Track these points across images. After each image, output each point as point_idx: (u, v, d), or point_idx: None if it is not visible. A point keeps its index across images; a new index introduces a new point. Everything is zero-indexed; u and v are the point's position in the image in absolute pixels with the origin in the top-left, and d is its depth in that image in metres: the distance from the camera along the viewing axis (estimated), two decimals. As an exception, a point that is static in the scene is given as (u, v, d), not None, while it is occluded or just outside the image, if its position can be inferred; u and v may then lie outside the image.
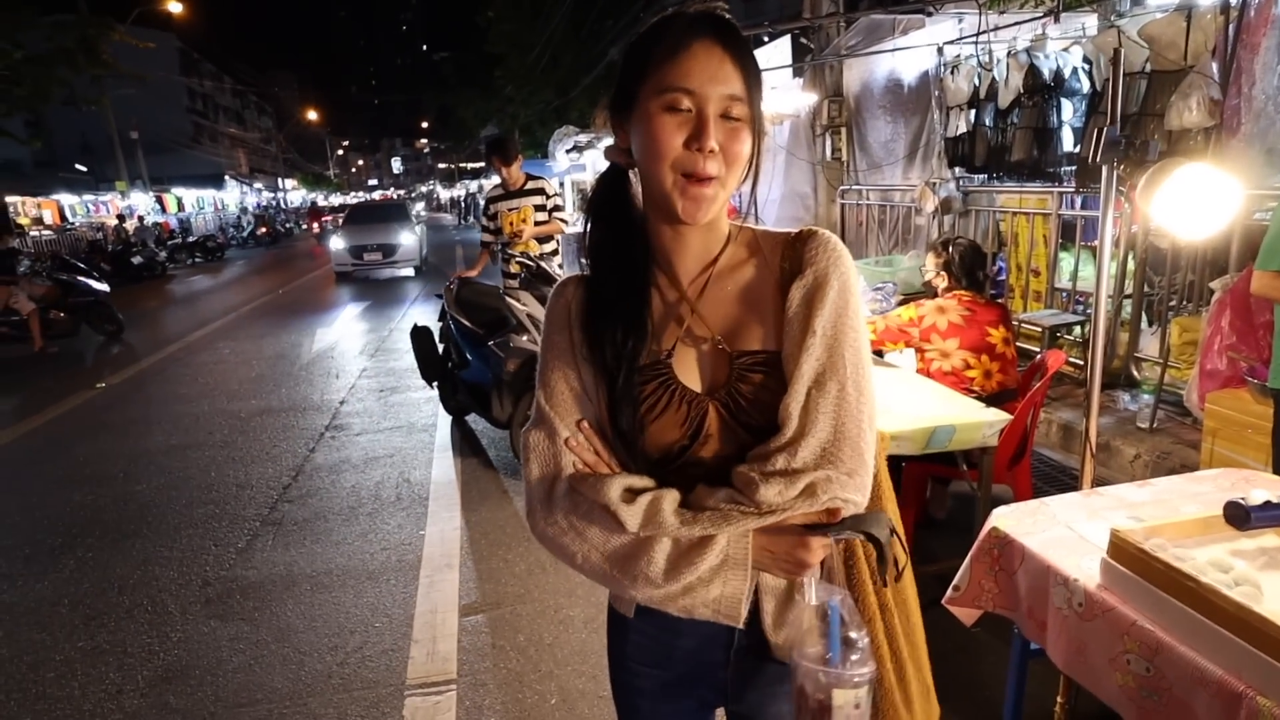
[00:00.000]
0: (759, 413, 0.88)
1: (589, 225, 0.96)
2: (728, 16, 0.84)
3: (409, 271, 14.09)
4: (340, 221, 16.25)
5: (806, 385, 0.85)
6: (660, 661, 1.00)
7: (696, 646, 0.97)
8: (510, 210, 4.78)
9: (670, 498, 0.85)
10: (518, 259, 4.25)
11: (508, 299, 4.06)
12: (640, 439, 0.88)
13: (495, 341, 4.02)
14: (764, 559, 0.86)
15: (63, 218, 21.95)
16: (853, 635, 0.82)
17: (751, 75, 0.84)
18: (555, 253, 5.04)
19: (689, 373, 0.90)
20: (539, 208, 4.80)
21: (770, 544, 0.85)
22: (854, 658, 0.81)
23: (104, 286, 9.18)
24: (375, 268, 13.75)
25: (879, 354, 3.09)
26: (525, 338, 3.87)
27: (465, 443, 4.61)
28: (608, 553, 0.86)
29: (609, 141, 0.95)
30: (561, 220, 4.97)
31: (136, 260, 16.21)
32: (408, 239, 13.87)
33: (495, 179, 5.00)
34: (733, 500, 0.84)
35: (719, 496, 0.85)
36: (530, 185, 4.82)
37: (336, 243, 13.88)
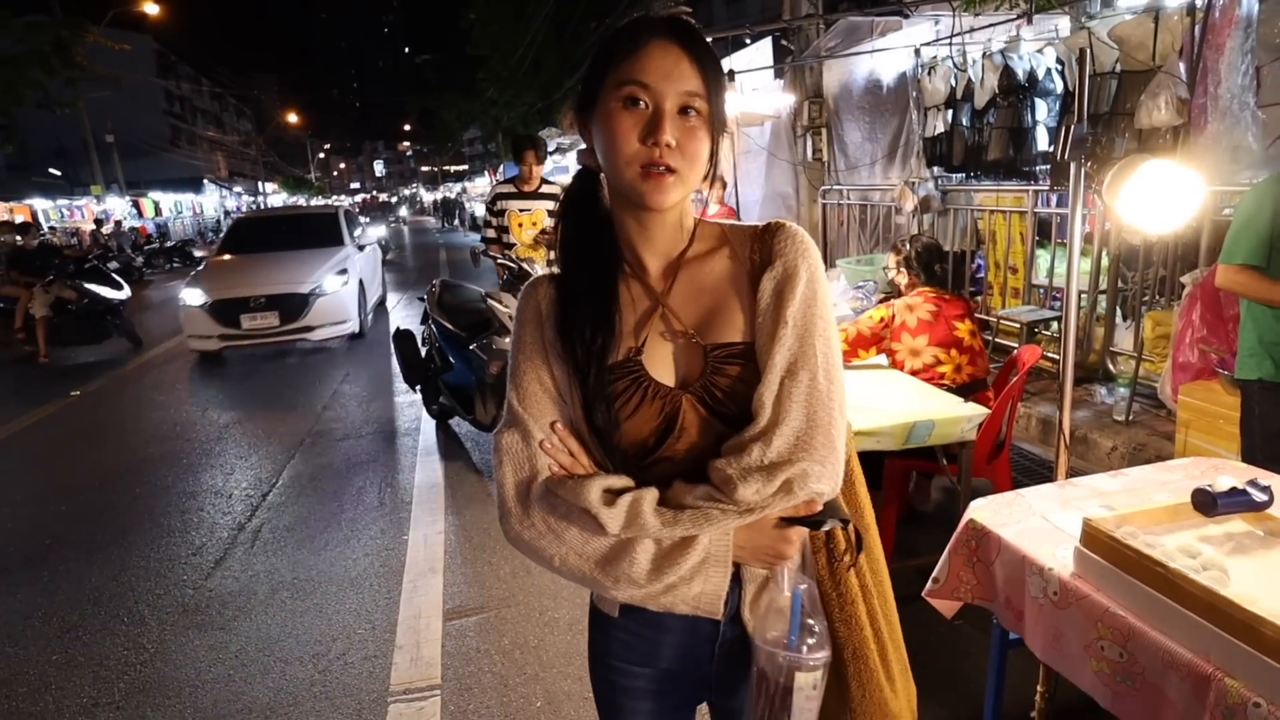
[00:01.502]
0: (734, 404, 0.88)
1: (559, 224, 0.97)
2: (687, 19, 0.86)
3: (333, 344, 7.81)
4: (212, 251, 9.59)
5: (779, 375, 0.86)
6: (646, 659, 1.00)
7: (682, 642, 0.98)
8: (521, 211, 4.65)
9: (650, 497, 0.86)
10: (500, 260, 4.22)
11: (490, 301, 4.03)
12: (615, 436, 0.88)
13: (478, 344, 4.00)
14: (743, 555, 0.88)
15: (36, 223, 21.59)
16: (810, 622, 0.85)
17: (710, 74, 0.84)
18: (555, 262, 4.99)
19: (661, 367, 0.91)
20: (551, 213, 4.66)
21: (750, 540, 0.87)
22: (811, 641, 0.84)
23: (120, 295, 8.40)
24: (263, 341, 7.23)
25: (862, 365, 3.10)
26: (508, 339, 3.86)
27: (449, 446, 4.58)
28: (587, 554, 0.87)
29: (583, 145, 0.96)
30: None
31: (112, 265, 15.96)
32: (334, 284, 7.45)
33: (487, 178, 4.98)
34: (711, 498, 0.84)
35: (698, 494, 0.85)
36: (546, 189, 4.68)
37: (190, 298, 7.11)
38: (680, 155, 0.83)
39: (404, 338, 5.03)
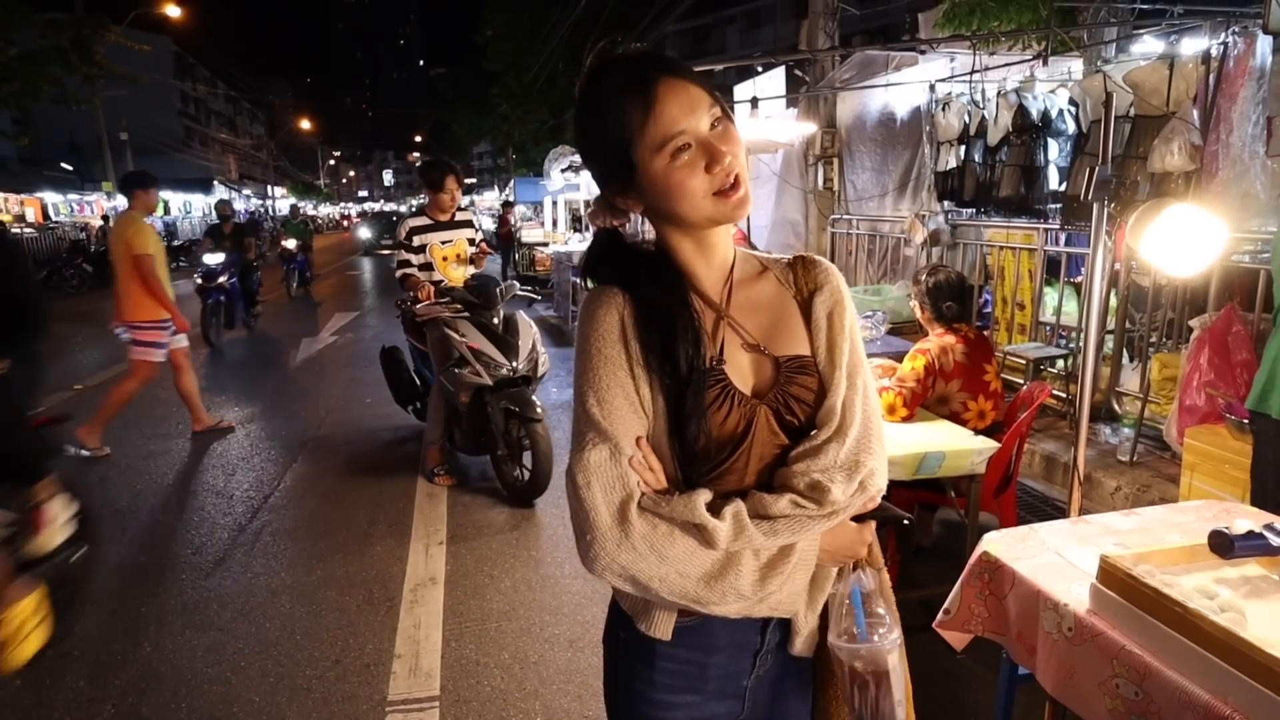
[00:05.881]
0: (801, 412, 0.94)
1: (586, 275, 1.00)
2: (650, 52, 0.91)
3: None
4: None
5: (845, 384, 0.94)
6: (694, 684, 0.99)
7: (728, 659, 0.99)
8: (444, 244, 4.20)
9: (744, 508, 0.88)
10: (453, 294, 3.92)
11: (448, 331, 3.83)
12: (704, 446, 0.90)
13: (444, 375, 3.88)
14: (825, 556, 0.93)
15: (45, 216, 21.68)
16: (878, 610, 0.93)
17: (704, 82, 0.90)
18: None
19: (740, 377, 0.95)
20: (470, 241, 4.35)
21: (833, 541, 0.92)
22: (882, 629, 0.92)
23: None
24: None
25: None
26: (468, 369, 3.76)
27: (451, 457, 4.57)
28: (690, 572, 0.87)
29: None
30: (487, 245, 4.52)
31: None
32: None
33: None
34: (798, 505, 0.89)
35: (784, 503, 0.88)
36: (460, 217, 4.31)
37: None
38: (734, 158, 0.89)
39: (390, 356, 4.86)
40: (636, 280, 0.95)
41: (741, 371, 0.95)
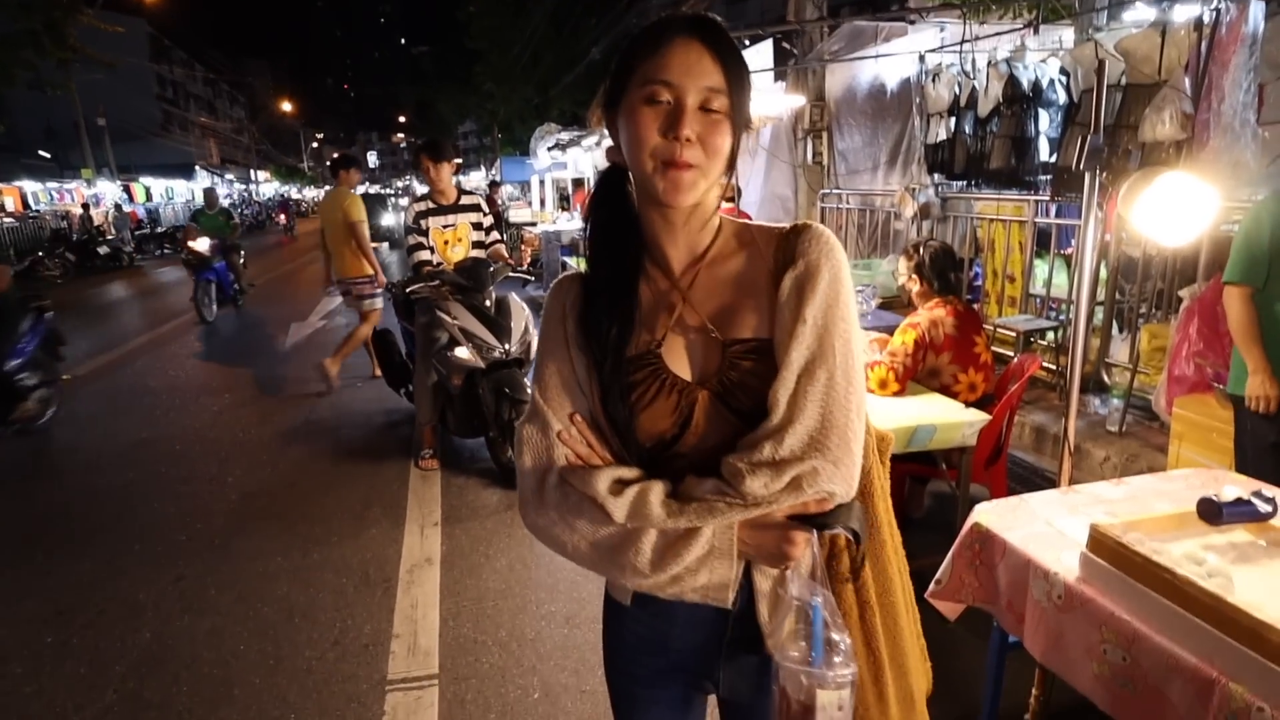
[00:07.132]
0: (751, 399, 0.88)
1: (589, 220, 0.98)
2: (711, 17, 0.87)
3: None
4: None
5: (796, 372, 0.85)
6: (657, 649, 1.02)
7: (691, 635, 0.99)
8: (445, 228, 4.04)
9: (657, 489, 0.87)
10: (443, 277, 3.81)
11: (439, 314, 3.76)
12: (632, 427, 0.90)
13: (436, 358, 3.84)
14: (749, 550, 0.88)
15: (25, 205, 21.33)
16: (834, 637, 0.82)
17: (733, 71, 0.85)
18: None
19: (679, 361, 0.92)
20: (476, 226, 4.11)
21: (753, 536, 0.87)
22: (836, 659, 0.81)
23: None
24: None
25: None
26: (461, 350, 3.73)
27: (445, 439, 4.57)
28: (596, 543, 0.89)
29: (605, 141, 0.98)
30: (502, 245, 4.23)
31: (103, 250, 15.86)
32: None
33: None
34: (719, 491, 0.85)
35: (706, 487, 0.86)
36: (465, 200, 4.09)
37: None
38: (700, 149, 0.84)
39: (382, 339, 4.87)
40: (601, 249, 0.96)
41: (683, 356, 0.92)
